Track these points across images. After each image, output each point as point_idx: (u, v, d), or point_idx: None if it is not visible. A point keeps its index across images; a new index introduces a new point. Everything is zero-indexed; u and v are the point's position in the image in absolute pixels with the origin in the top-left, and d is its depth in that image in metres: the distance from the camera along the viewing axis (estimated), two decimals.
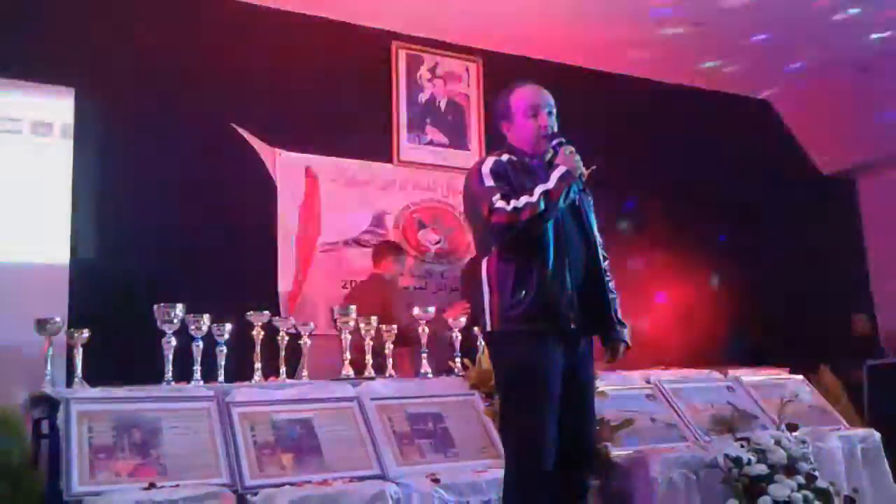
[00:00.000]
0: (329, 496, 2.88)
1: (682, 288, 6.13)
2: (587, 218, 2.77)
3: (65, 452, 2.87)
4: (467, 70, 6.34)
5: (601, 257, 2.76)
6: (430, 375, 3.96)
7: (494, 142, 2.96)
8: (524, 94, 2.81)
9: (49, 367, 3.37)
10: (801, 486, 3.48)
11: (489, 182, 2.64)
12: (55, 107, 4.80)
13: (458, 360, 4.07)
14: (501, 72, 5.94)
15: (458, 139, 6.23)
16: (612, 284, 2.79)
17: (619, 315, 2.78)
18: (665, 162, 6.67)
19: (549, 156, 2.74)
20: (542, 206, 2.53)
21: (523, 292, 2.57)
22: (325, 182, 5.65)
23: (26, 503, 2.79)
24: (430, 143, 6.14)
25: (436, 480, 3.07)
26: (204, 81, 5.25)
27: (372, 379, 3.80)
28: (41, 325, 3.46)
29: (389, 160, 5.95)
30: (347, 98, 5.71)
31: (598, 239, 2.80)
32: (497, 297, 2.62)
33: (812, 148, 7.61)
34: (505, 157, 2.74)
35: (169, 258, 4.84)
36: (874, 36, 6.32)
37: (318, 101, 5.58)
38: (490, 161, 2.72)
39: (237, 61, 5.39)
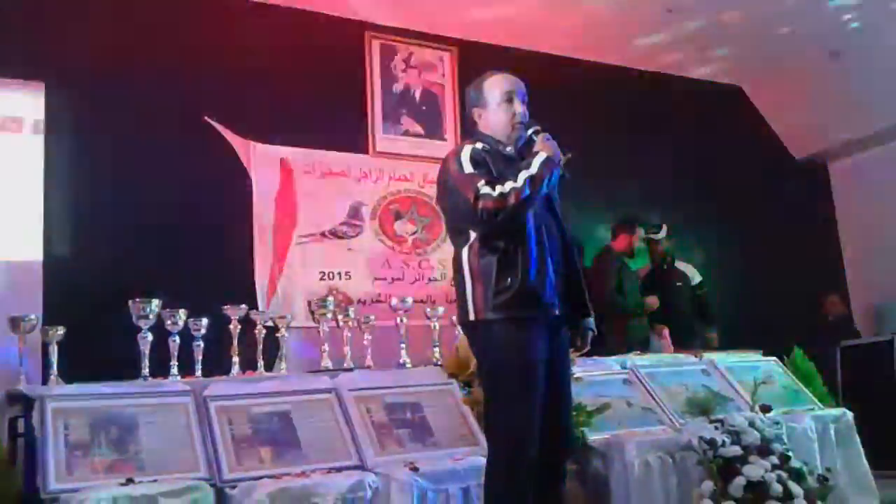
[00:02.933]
0: (307, 487, 2.89)
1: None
2: (558, 206, 2.79)
3: (41, 450, 2.87)
4: (441, 59, 6.33)
5: (574, 246, 2.78)
6: (408, 365, 3.99)
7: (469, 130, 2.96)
8: (498, 82, 2.81)
9: (24, 365, 3.35)
10: (774, 467, 3.53)
11: (470, 169, 2.62)
12: (25, 102, 4.75)
13: (435, 349, 4.10)
14: (476, 60, 5.91)
15: (433, 129, 6.22)
16: (582, 273, 2.81)
17: (590, 304, 2.81)
18: (639, 148, 6.71)
19: (520, 143, 2.74)
20: (528, 190, 2.54)
21: (509, 280, 2.55)
22: (300, 174, 5.63)
23: (3, 502, 2.78)
24: (406, 133, 6.12)
25: (414, 469, 3.09)
26: (177, 74, 5.20)
27: (350, 370, 3.81)
28: (15, 322, 3.45)
29: (365, 151, 5.92)
30: (321, 89, 5.67)
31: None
32: (481, 286, 2.59)
33: (784, 133, 7.69)
34: (479, 145, 2.74)
35: (144, 253, 4.81)
36: (845, 19, 6.37)
37: (292, 92, 5.55)
38: (468, 149, 2.69)
39: (210, 53, 5.35)
